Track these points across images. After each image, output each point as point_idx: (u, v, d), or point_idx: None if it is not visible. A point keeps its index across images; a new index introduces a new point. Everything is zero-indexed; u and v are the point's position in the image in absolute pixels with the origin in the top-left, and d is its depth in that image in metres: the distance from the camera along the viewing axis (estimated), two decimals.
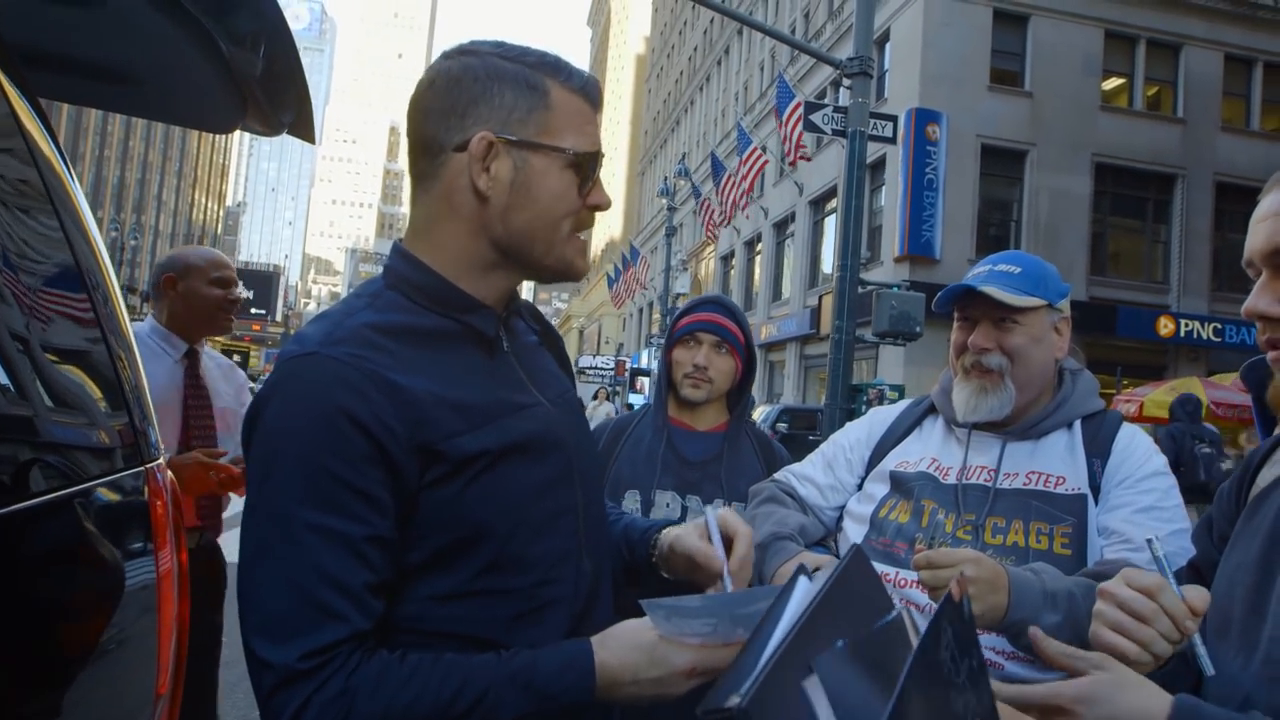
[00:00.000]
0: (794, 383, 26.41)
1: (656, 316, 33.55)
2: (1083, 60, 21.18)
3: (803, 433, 15.65)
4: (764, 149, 21.02)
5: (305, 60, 1.89)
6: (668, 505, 2.15)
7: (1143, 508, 1.52)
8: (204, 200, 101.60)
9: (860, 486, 1.81)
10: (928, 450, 1.73)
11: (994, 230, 20.75)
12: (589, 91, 1.15)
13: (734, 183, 20.67)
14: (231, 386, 2.96)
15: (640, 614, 1.04)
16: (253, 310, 53.88)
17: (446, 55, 1.14)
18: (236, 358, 23.80)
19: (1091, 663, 1.00)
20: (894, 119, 10.99)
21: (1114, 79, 22.07)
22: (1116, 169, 21.40)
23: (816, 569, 0.97)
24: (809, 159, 18.31)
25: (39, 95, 1.39)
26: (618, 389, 31.59)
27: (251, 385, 3.00)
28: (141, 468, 1.41)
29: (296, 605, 0.96)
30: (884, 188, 21.21)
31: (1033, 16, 21.04)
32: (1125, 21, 21.50)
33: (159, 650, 1.36)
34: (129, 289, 44.87)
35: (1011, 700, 1.00)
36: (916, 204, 19.30)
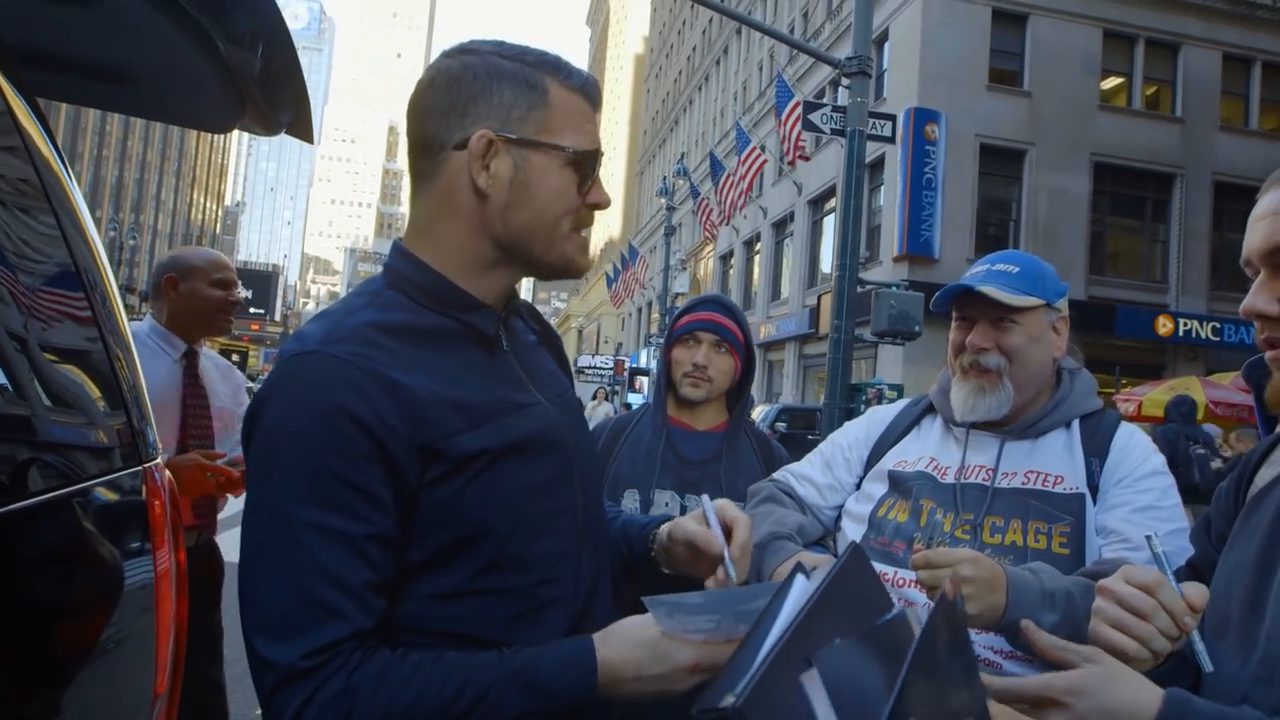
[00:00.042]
0: (793, 382, 26.42)
1: (655, 316, 33.56)
2: (1081, 60, 21.19)
3: (801, 432, 15.64)
4: (763, 148, 21.02)
5: (304, 60, 1.89)
6: (666, 504, 2.15)
7: (1141, 507, 1.52)
8: (202, 200, 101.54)
9: (859, 486, 1.82)
10: (926, 450, 1.73)
11: (993, 230, 20.76)
12: (588, 90, 1.15)
13: (733, 183, 20.66)
14: (229, 387, 2.97)
15: (641, 611, 1.04)
16: (251, 310, 53.84)
17: (446, 54, 1.14)
18: (235, 357, 23.80)
19: (1083, 655, 1.01)
20: (893, 118, 10.98)
21: (1113, 78, 22.08)
22: (1115, 168, 21.41)
23: (814, 568, 0.96)
24: (808, 158, 18.31)
25: (37, 95, 1.39)
26: (616, 389, 31.59)
27: (250, 385, 3.00)
28: (139, 467, 1.41)
29: (298, 604, 0.96)
30: (883, 187, 21.21)
31: (1031, 16, 21.05)
32: (1124, 21, 21.51)
33: (157, 650, 1.36)
34: (127, 288, 44.87)
35: (1004, 692, 1.00)
36: (915, 203, 19.31)
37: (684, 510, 2.14)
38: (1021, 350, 1.61)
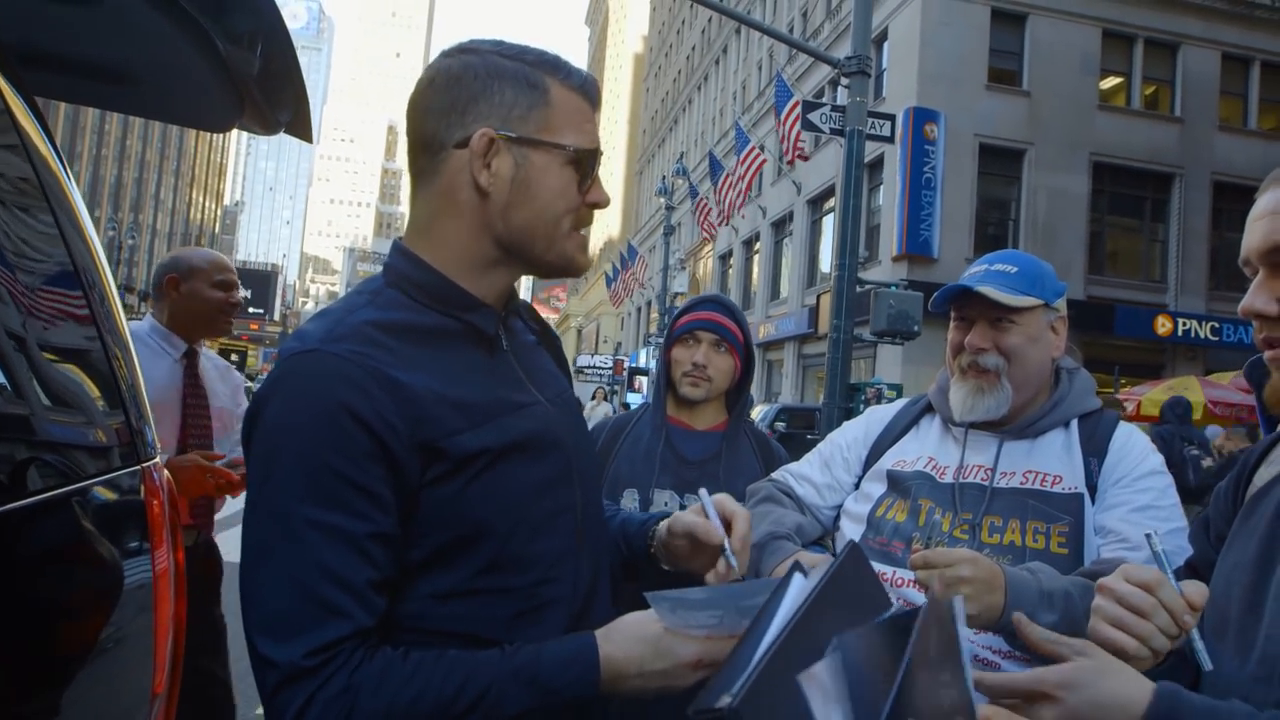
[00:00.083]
0: (792, 382, 26.42)
1: (654, 315, 33.55)
2: (1080, 59, 21.19)
3: (801, 432, 15.64)
4: (762, 148, 21.02)
5: (303, 59, 1.89)
6: (665, 504, 2.14)
7: (1139, 506, 1.52)
8: (202, 199, 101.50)
9: (857, 486, 1.82)
10: (925, 449, 1.74)
11: (992, 229, 20.77)
12: (588, 90, 1.15)
13: (731, 183, 20.66)
14: (228, 387, 2.98)
15: (642, 607, 1.04)
16: (250, 310, 53.80)
17: (446, 54, 1.14)
18: (235, 357, 23.79)
19: (1074, 649, 1.01)
20: (892, 118, 10.98)
21: (1112, 78, 22.08)
22: (1114, 168, 21.41)
23: (812, 567, 0.96)
24: (806, 158, 18.31)
25: (36, 94, 1.39)
26: (615, 388, 31.58)
27: (249, 385, 3.01)
28: (138, 466, 1.41)
29: (300, 603, 0.95)
30: (882, 187, 21.22)
31: (1031, 16, 21.05)
32: (1123, 21, 21.51)
33: (155, 649, 1.36)
34: (126, 288, 44.85)
35: (995, 688, 1.00)
36: (914, 203, 19.30)
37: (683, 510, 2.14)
38: (1020, 350, 1.61)
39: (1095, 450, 1.62)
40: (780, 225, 28.94)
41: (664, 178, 33.13)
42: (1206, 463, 8.08)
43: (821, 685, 0.68)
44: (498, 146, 1.09)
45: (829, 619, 0.74)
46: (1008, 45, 21.03)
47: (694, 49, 45.33)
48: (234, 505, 2.97)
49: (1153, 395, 13.63)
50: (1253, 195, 1.13)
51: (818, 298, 19.51)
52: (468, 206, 1.11)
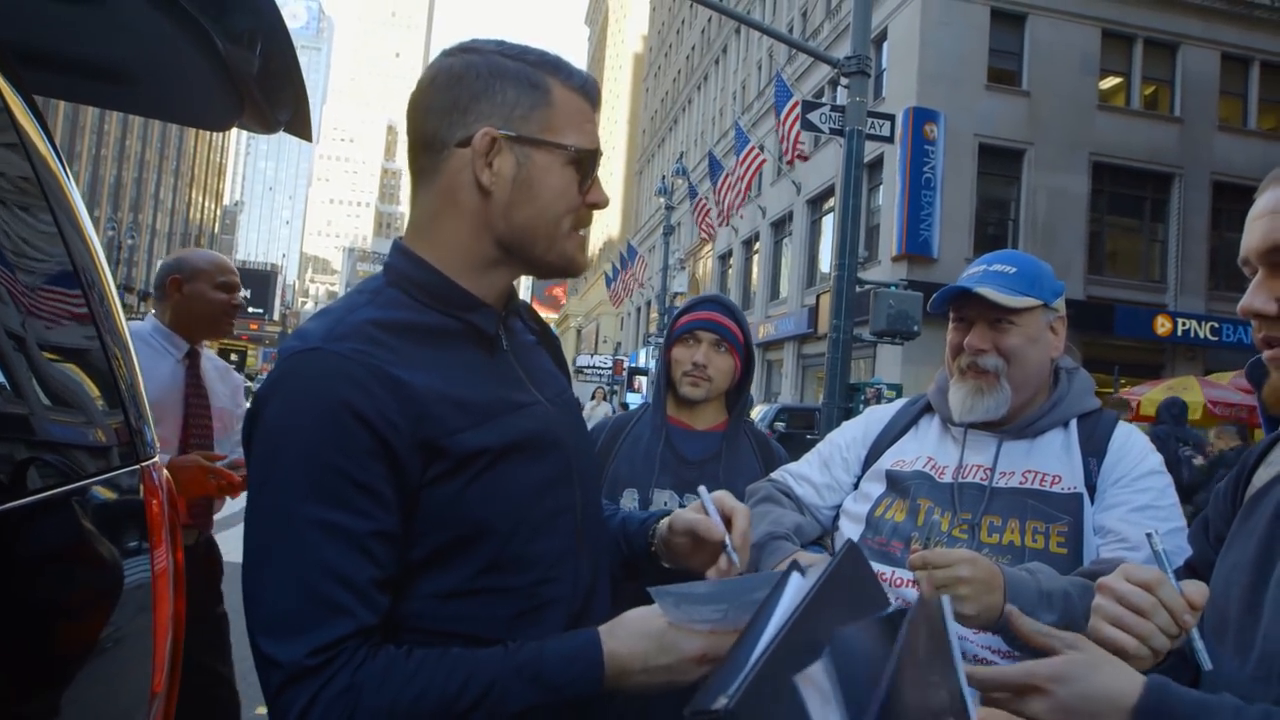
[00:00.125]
0: (792, 382, 26.42)
1: (654, 315, 33.55)
2: (1080, 59, 21.19)
3: (800, 432, 15.64)
4: (761, 148, 21.02)
5: (302, 59, 1.89)
6: (665, 504, 2.14)
7: (1138, 506, 1.52)
8: (201, 199, 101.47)
9: (856, 486, 1.82)
10: (924, 449, 1.73)
11: (992, 229, 20.77)
12: (588, 90, 1.16)
13: (730, 183, 20.66)
14: (228, 388, 3.00)
15: (645, 604, 1.03)
16: (250, 309, 53.78)
17: (448, 53, 1.14)
18: (234, 357, 23.77)
19: (1066, 642, 1.01)
20: (891, 118, 10.99)
21: (1111, 78, 22.08)
22: (1114, 168, 21.42)
23: (810, 566, 0.96)
24: (806, 158, 18.32)
25: (35, 93, 1.39)
26: (615, 388, 31.58)
27: (248, 384, 3.02)
28: (137, 466, 1.41)
29: (303, 601, 0.95)
30: (882, 187, 21.21)
31: (1030, 16, 21.05)
32: (1123, 21, 21.51)
33: (154, 649, 1.35)
34: (125, 288, 44.85)
35: (986, 681, 1.00)
36: (914, 203, 19.30)
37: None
38: (1019, 351, 1.61)
39: (1094, 450, 1.62)
40: (780, 225, 28.94)
41: (664, 178, 33.13)
42: (1198, 461, 8.11)
43: (818, 686, 0.68)
44: (500, 146, 1.09)
45: (826, 619, 0.74)
46: (1007, 45, 21.03)
47: (694, 49, 45.32)
48: (234, 505, 2.98)
49: (1152, 395, 13.63)
50: (1252, 195, 1.13)
51: (817, 298, 19.51)
52: (469, 206, 1.11)
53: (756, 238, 30.92)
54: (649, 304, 40.08)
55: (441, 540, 1.04)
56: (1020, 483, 1.60)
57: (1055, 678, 0.97)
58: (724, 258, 34.65)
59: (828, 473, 1.86)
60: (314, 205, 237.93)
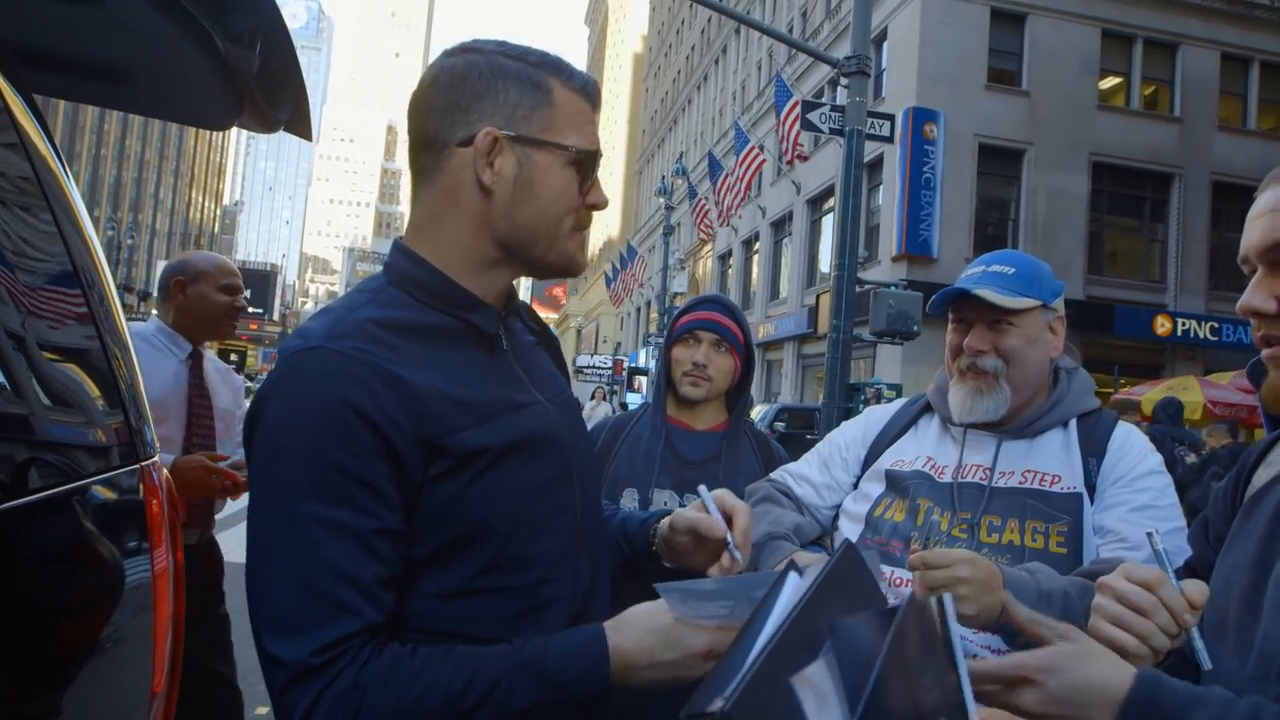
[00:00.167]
0: (792, 382, 26.42)
1: (654, 315, 33.54)
2: (1080, 59, 21.19)
3: (800, 432, 15.64)
4: (761, 148, 21.02)
5: (302, 59, 1.89)
6: (665, 504, 2.14)
7: (1138, 506, 1.52)
8: (201, 199, 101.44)
9: (856, 485, 1.81)
10: (923, 449, 1.73)
11: (991, 229, 20.77)
12: (589, 91, 1.16)
13: (729, 184, 20.66)
14: (229, 389, 3.01)
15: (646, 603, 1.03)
16: (250, 309, 53.70)
17: (449, 53, 1.15)
18: (234, 357, 23.79)
19: (1057, 632, 1.00)
20: (891, 118, 10.98)
21: (1111, 78, 22.08)
22: (1114, 168, 21.42)
23: (807, 566, 0.96)
24: (806, 158, 18.32)
25: (35, 92, 1.39)
26: (615, 388, 31.57)
27: (249, 385, 3.03)
28: (137, 465, 1.41)
29: (307, 600, 0.95)
30: (881, 187, 21.21)
31: (1030, 16, 21.05)
32: (1122, 21, 21.51)
33: (154, 649, 1.35)
34: (125, 288, 44.87)
35: (976, 674, 0.99)
36: (914, 203, 19.31)
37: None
38: (1019, 352, 1.61)
39: (1094, 450, 1.62)
40: (780, 225, 28.94)
41: (663, 178, 33.13)
42: (1191, 459, 8.14)
43: (815, 687, 0.67)
44: (501, 145, 1.09)
45: (823, 619, 0.73)
46: (1007, 45, 21.03)
47: (693, 49, 45.32)
48: (235, 504, 3.00)
49: (1152, 395, 13.64)
50: (1252, 195, 1.13)
51: (817, 298, 19.51)
52: (470, 205, 1.11)
53: (756, 238, 30.91)
54: (649, 304, 40.08)
55: (441, 540, 1.04)
56: (1020, 482, 1.60)
57: (1045, 668, 0.96)
58: (724, 258, 34.65)
59: (827, 473, 1.86)
60: (314, 205, 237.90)
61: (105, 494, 1.30)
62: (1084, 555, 1.51)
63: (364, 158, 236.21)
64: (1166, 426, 8.61)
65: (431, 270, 1.12)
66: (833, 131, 10.75)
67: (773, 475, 1.95)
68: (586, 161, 1.13)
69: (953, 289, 1.65)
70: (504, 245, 1.13)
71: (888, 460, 1.76)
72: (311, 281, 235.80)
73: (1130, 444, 1.63)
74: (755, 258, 31.75)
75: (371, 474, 0.98)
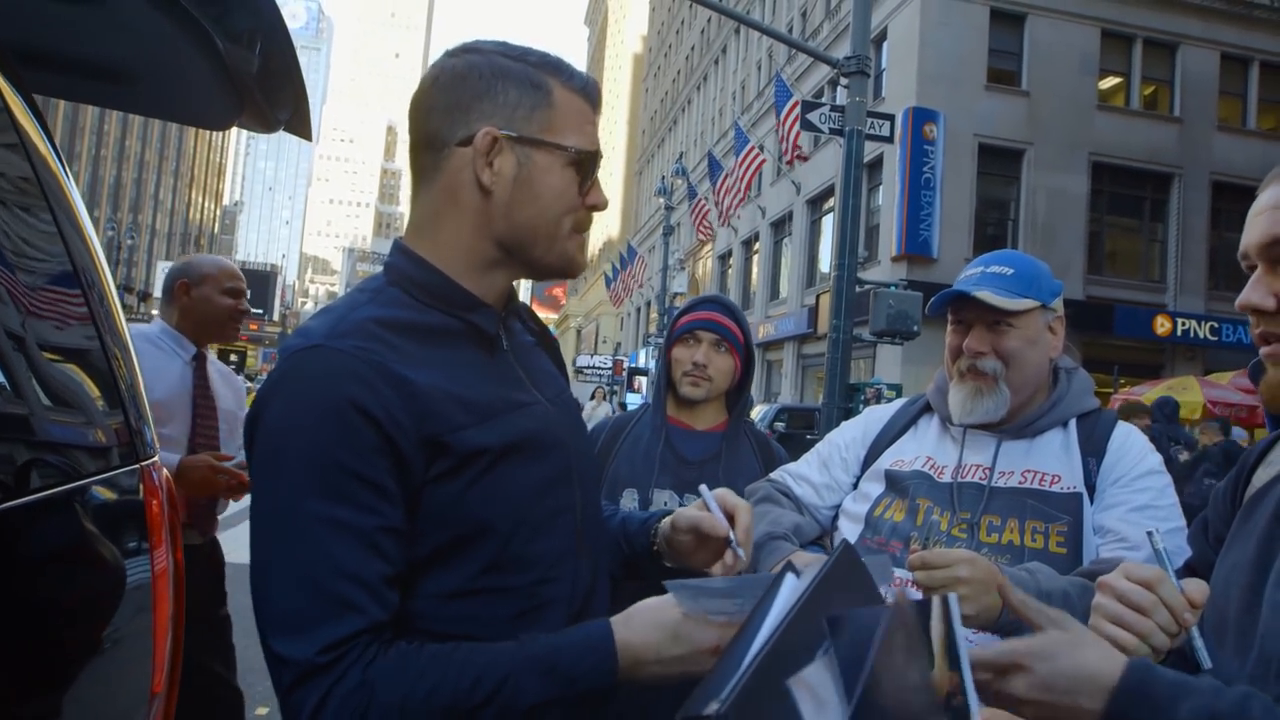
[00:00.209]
0: (791, 382, 26.42)
1: (654, 316, 33.53)
2: (1080, 59, 21.19)
3: (800, 432, 15.64)
4: (761, 148, 21.02)
5: (302, 59, 1.90)
6: (665, 504, 2.14)
7: (1138, 506, 1.52)
8: (201, 199, 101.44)
9: (855, 485, 1.81)
10: (923, 449, 1.73)
11: (991, 229, 20.77)
12: (589, 92, 1.16)
13: (729, 184, 20.66)
14: (231, 390, 3.03)
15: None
16: (250, 310, 53.65)
17: (450, 53, 1.15)
18: (234, 358, 23.80)
19: (1050, 618, 1.00)
20: (891, 118, 10.99)
21: (1111, 78, 22.08)
22: (1113, 168, 21.41)
23: (805, 567, 0.96)
24: (806, 159, 18.31)
25: (35, 92, 1.39)
26: (615, 389, 31.57)
27: (249, 385, 3.05)
28: (137, 466, 1.41)
29: (311, 599, 0.95)
30: (881, 187, 21.21)
31: (1030, 16, 21.05)
32: (1122, 21, 21.51)
33: (154, 649, 1.35)
34: (125, 288, 44.85)
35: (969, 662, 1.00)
36: (914, 203, 19.30)
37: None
38: (1018, 353, 1.61)
39: (1094, 450, 1.62)
40: (779, 225, 28.93)
41: (663, 178, 33.13)
42: (1184, 456, 8.16)
43: (812, 689, 0.67)
44: (501, 145, 1.09)
45: (821, 621, 0.73)
46: (1007, 45, 21.03)
47: (693, 49, 45.31)
48: (236, 505, 3.00)
49: (1151, 395, 13.64)
50: (1252, 195, 1.13)
51: (817, 298, 19.51)
52: (470, 205, 1.11)
53: (756, 238, 30.91)
54: (649, 304, 40.08)
55: (442, 540, 1.04)
56: (1019, 482, 1.60)
57: (1036, 654, 0.96)
58: (724, 258, 34.65)
59: (827, 473, 1.86)
60: (314, 205, 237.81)
61: (105, 494, 1.30)
62: (1084, 555, 1.51)
63: (364, 158, 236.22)
64: (1163, 426, 8.62)
65: (431, 270, 1.13)
66: (832, 131, 10.75)
67: (772, 475, 1.95)
68: (586, 162, 1.13)
69: (952, 291, 1.65)
70: (503, 245, 1.13)
71: (887, 460, 1.76)
72: (311, 282, 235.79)
73: (1130, 444, 1.63)
74: (755, 258, 31.75)
75: (374, 472, 0.98)
